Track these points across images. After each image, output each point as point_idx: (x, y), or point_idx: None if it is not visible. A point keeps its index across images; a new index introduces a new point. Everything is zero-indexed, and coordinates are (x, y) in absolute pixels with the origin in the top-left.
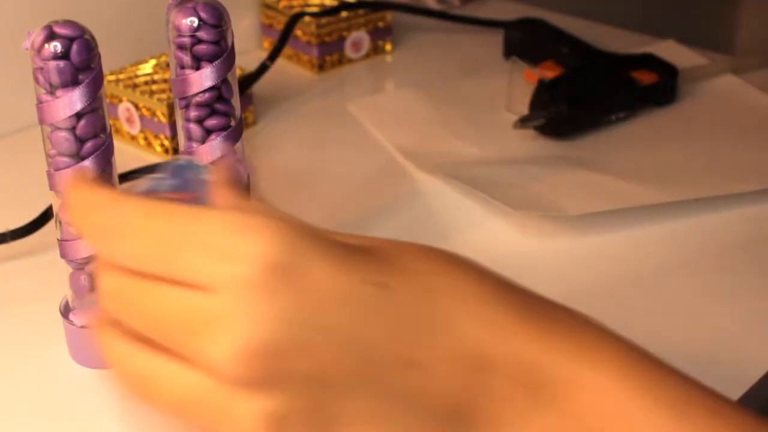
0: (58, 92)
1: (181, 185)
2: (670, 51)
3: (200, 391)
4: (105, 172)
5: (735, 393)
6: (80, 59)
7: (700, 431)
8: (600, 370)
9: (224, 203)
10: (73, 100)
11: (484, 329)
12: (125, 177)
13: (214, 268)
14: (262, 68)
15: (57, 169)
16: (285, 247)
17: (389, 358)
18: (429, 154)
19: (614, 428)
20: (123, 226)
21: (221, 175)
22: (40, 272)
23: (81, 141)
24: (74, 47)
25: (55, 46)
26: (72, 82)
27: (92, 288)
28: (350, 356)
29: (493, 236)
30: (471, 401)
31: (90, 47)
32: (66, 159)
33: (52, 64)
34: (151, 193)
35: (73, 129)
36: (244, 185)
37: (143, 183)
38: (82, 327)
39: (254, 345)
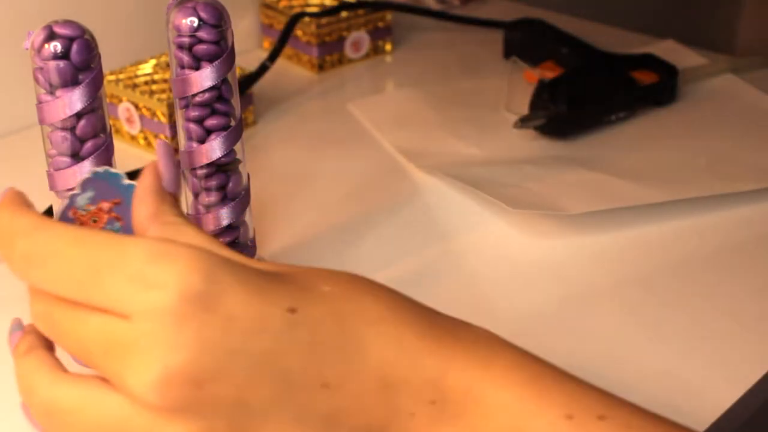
0: (58, 92)
1: (99, 195)
2: (670, 51)
3: (121, 417)
4: None
5: (734, 394)
6: (80, 59)
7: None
8: (500, 384)
9: (146, 212)
10: (73, 100)
11: (391, 349)
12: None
13: (133, 296)
14: (262, 68)
15: (57, 169)
16: (201, 275)
17: (303, 380)
18: (429, 154)
19: None
20: (45, 254)
21: (146, 180)
22: None
23: (81, 141)
24: (74, 47)
25: (55, 46)
26: (72, 82)
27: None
28: (267, 380)
29: (493, 236)
30: (381, 420)
31: (90, 47)
32: (66, 159)
33: (52, 64)
34: (69, 210)
35: (73, 129)
36: (174, 186)
37: (63, 202)
38: None
39: (172, 372)
